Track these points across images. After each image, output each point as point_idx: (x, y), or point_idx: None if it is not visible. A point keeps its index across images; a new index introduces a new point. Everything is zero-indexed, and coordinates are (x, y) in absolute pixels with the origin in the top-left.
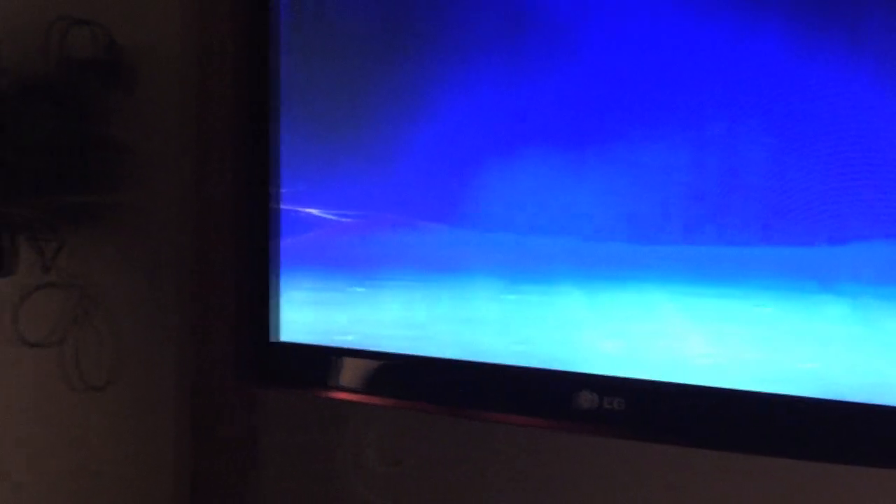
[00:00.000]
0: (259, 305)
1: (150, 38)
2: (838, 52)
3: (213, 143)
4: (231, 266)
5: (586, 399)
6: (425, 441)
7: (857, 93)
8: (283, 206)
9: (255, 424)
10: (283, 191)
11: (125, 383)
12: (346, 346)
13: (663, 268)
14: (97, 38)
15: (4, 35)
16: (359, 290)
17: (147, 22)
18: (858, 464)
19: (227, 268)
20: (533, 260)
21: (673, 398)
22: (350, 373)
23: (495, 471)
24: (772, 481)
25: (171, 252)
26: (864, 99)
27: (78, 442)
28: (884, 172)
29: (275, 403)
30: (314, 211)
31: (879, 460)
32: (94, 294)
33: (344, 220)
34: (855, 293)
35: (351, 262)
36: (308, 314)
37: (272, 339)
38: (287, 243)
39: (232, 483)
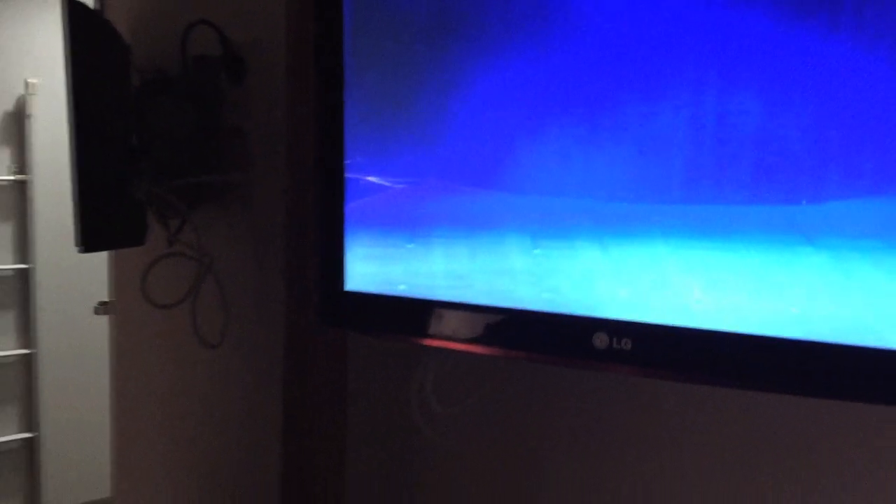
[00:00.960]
0: (333, 261)
1: (258, 35)
2: (820, 19)
3: (302, 125)
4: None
5: (600, 340)
6: (483, 377)
7: (836, 61)
8: (348, 176)
9: (345, 369)
10: (347, 162)
11: (235, 340)
12: (400, 294)
13: (666, 224)
14: (215, 37)
15: (143, 39)
16: (410, 246)
17: (255, 22)
18: (832, 398)
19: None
20: (556, 219)
21: (673, 339)
22: (404, 318)
23: (539, 408)
24: (765, 417)
25: (275, 225)
26: (841, 67)
27: (196, 390)
28: (857, 138)
29: (356, 348)
30: (373, 179)
31: (851, 393)
32: (209, 263)
33: (397, 186)
34: (834, 246)
35: (403, 222)
36: (369, 267)
37: (344, 289)
38: (351, 207)
39: (325, 426)
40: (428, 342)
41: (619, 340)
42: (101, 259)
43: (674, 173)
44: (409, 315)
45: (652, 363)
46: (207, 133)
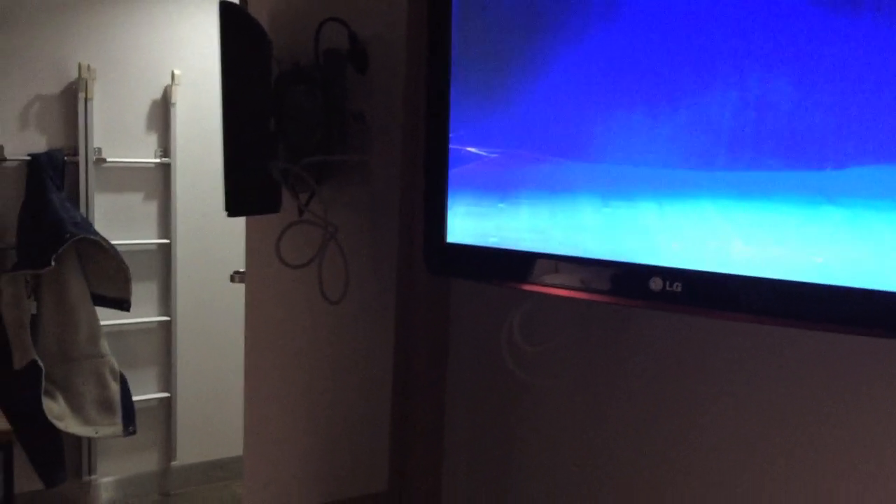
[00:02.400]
0: (438, 218)
1: (380, 31)
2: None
3: (416, 110)
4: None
5: (656, 283)
6: (567, 319)
7: (857, 44)
8: (451, 147)
9: (447, 320)
10: (451, 135)
11: (355, 299)
12: (491, 245)
13: (712, 187)
14: (344, 33)
15: (281, 34)
16: (500, 205)
17: (378, 19)
18: (847, 332)
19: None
20: (622, 183)
21: (716, 283)
22: (494, 265)
23: (611, 347)
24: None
25: (391, 199)
26: (862, 50)
27: (320, 341)
28: (873, 113)
29: (457, 302)
30: (472, 149)
31: (864, 329)
32: (334, 231)
33: (492, 155)
34: (852, 205)
35: (496, 185)
36: (467, 223)
37: (446, 242)
38: (453, 172)
39: (428, 368)
40: (514, 285)
41: (671, 284)
42: (232, 235)
43: (720, 144)
44: (498, 263)
45: (698, 303)
46: (334, 118)
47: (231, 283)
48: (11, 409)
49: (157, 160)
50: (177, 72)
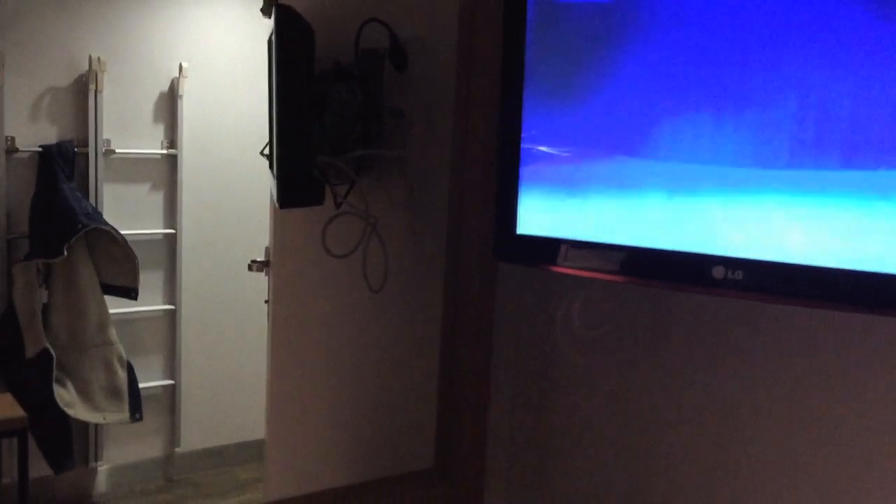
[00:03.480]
0: (509, 211)
1: (419, 32)
2: None
3: (473, 108)
4: (483, 189)
5: (718, 272)
6: (620, 305)
7: None
8: (523, 146)
9: (493, 306)
10: (523, 135)
11: (396, 288)
12: (560, 236)
13: (774, 185)
14: (382, 32)
15: (321, 34)
16: (569, 200)
17: (418, 20)
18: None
19: (481, 190)
20: (688, 180)
21: (775, 271)
22: (565, 255)
23: (666, 331)
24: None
25: (429, 192)
26: None
27: (366, 325)
28: None
29: (508, 279)
30: (543, 148)
31: None
32: (373, 220)
33: (563, 154)
34: None
35: (565, 182)
36: (537, 216)
37: (516, 233)
38: (524, 170)
39: (474, 348)
40: (581, 273)
41: (733, 272)
42: (236, 226)
43: (782, 145)
44: (566, 252)
45: (757, 289)
46: (372, 114)
47: (236, 273)
48: (23, 397)
49: (164, 151)
50: (184, 64)
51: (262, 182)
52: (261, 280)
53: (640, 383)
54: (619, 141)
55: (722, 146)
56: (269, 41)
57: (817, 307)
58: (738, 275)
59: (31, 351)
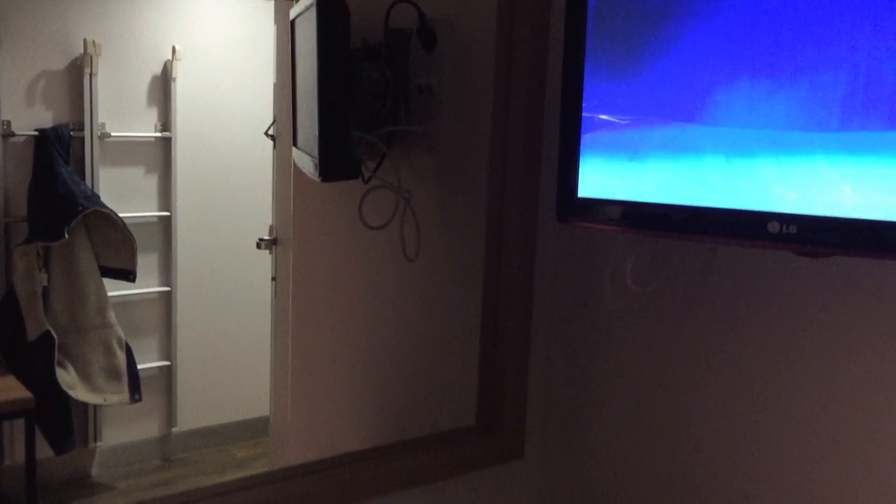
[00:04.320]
0: (571, 176)
1: (447, 12)
2: None
3: (514, 81)
4: (525, 157)
5: (773, 227)
6: (669, 266)
7: None
8: (584, 114)
9: (533, 271)
10: (584, 104)
11: (429, 257)
12: (622, 197)
13: (825, 146)
14: (409, 12)
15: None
16: (629, 164)
17: (445, 1)
18: None
19: (523, 158)
20: (744, 143)
21: (827, 224)
22: (622, 215)
23: (715, 288)
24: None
25: (459, 163)
26: None
27: (399, 293)
28: None
29: (548, 244)
30: (603, 116)
31: None
32: (406, 194)
33: (623, 121)
34: None
35: (625, 147)
36: (597, 180)
37: (578, 195)
38: (586, 137)
39: (516, 310)
40: (641, 232)
41: (787, 227)
42: (230, 208)
43: (832, 109)
44: (626, 213)
45: (810, 242)
46: (400, 91)
47: (230, 254)
48: (26, 380)
49: (158, 134)
50: (178, 47)
51: (256, 163)
52: (256, 260)
53: (680, 340)
54: (677, 109)
55: (775, 112)
56: (293, 22)
57: (865, 257)
58: (793, 229)
59: (32, 334)
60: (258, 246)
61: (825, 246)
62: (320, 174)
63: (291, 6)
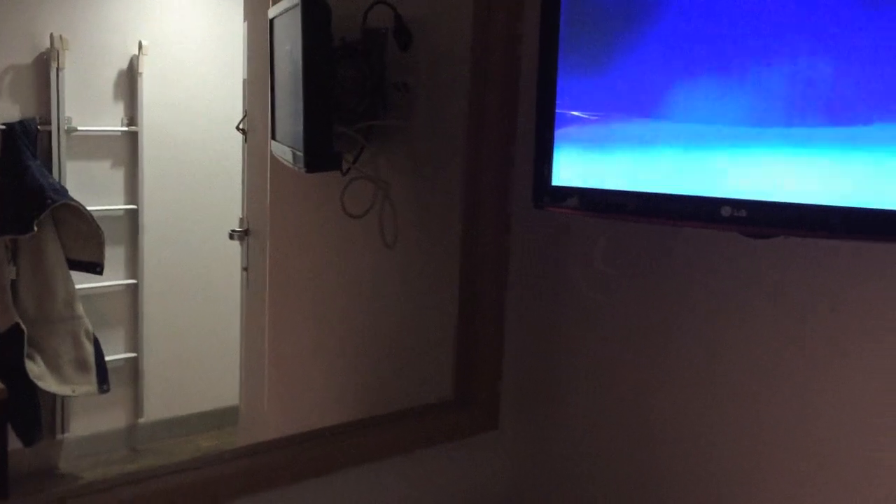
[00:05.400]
0: (545, 166)
1: (422, 12)
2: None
3: (489, 80)
4: (507, 149)
5: (726, 211)
6: (635, 249)
7: (878, 30)
8: (557, 111)
9: (507, 254)
10: (558, 101)
11: (406, 243)
12: (591, 185)
13: (770, 139)
14: (385, 13)
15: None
16: (598, 156)
17: (419, 1)
18: (872, 241)
19: (496, 151)
20: (699, 137)
21: (772, 208)
22: (595, 202)
23: (677, 269)
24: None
25: (435, 157)
26: (882, 34)
27: (377, 278)
28: (890, 81)
29: (520, 230)
30: (575, 112)
31: (881, 237)
32: (384, 185)
33: (592, 117)
34: (874, 151)
35: (594, 141)
36: (570, 170)
37: (552, 183)
38: (559, 132)
39: (491, 291)
40: (609, 217)
41: (737, 211)
42: (197, 201)
43: (776, 107)
44: (595, 199)
45: (758, 223)
46: (377, 88)
47: (197, 247)
48: None
49: (125, 128)
50: (144, 42)
51: (222, 157)
52: (222, 252)
53: (644, 318)
54: (640, 106)
55: (726, 109)
56: (271, 22)
57: (805, 236)
58: (742, 213)
59: (1, 326)
60: (230, 237)
61: (771, 227)
62: (304, 166)
63: (262, 3)
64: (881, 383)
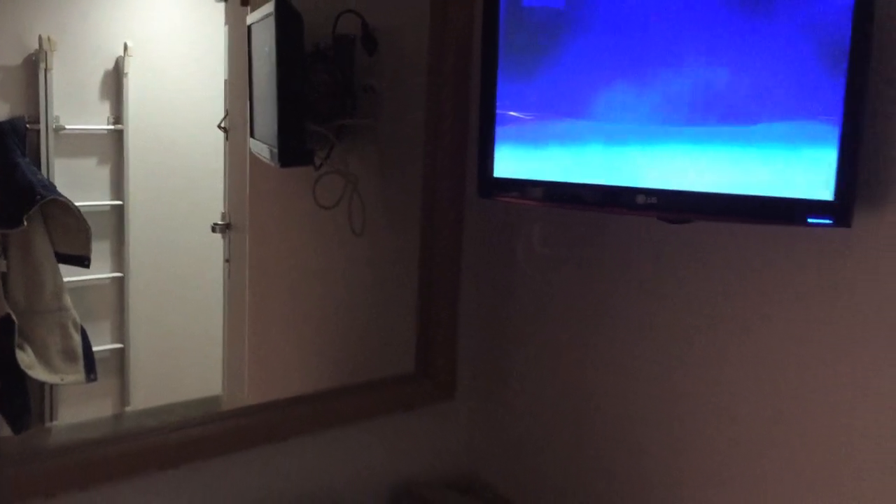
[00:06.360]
0: (488, 160)
1: (387, 21)
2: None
3: (444, 83)
4: (461, 145)
5: (640, 198)
6: (570, 232)
7: (765, 41)
8: (498, 111)
9: (461, 237)
10: (497, 103)
11: (373, 231)
12: (527, 177)
13: (676, 136)
14: (354, 20)
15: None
16: (533, 151)
17: (385, 11)
18: (759, 224)
19: (451, 146)
20: (617, 134)
21: (679, 196)
22: (530, 191)
23: (604, 250)
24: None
25: (399, 154)
26: (768, 45)
27: (347, 265)
28: (771, 87)
29: (473, 219)
30: (513, 113)
31: (770, 220)
32: (353, 178)
33: (526, 117)
34: (761, 146)
35: (529, 138)
36: (509, 163)
37: (494, 175)
38: (499, 130)
39: (447, 273)
40: (542, 204)
41: (650, 198)
42: (181, 197)
43: (681, 108)
44: (531, 188)
45: (667, 209)
46: (346, 90)
47: (182, 240)
48: None
49: (111, 127)
50: (129, 43)
51: (204, 154)
52: (206, 245)
53: (580, 294)
54: (567, 107)
55: (640, 110)
56: (250, 28)
57: (708, 220)
58: (654, 200)
59: None
60: (213, 230)
61: (679, 212)
62: (279, 161)
63: (243, 9)
64: (779, 353)
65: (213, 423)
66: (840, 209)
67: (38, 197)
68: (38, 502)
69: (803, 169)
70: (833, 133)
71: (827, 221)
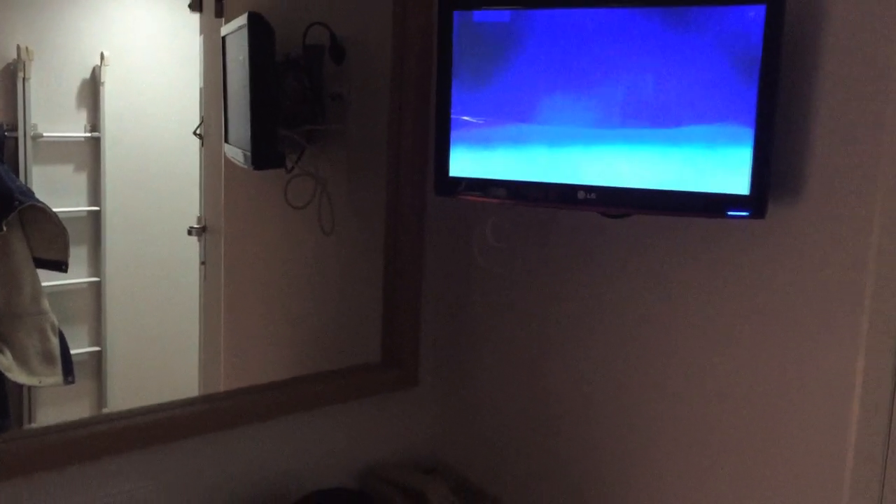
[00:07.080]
0: (444, 161)
1: (354, 32)
2: (679, 24)
3: (406, 90)
4: (422, 148)
5: (581, 194)
6: (521, 226)
7: (684, 47)
8: (452, 116)
9: (423, 234)
10: (451, 108)
11: (341, 230)
12: (480, 176)
13: (611, 137)
14: (323, 32)
15: (278, 32)
16: (484, 152)
17: (352, 22)
18: (684, 216)
19: (413, 149)
20: (559, 136)
21: (615, 192)
22: (481, 187)
23: (553, 244)
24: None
25: (367, 158)
26: (689, 54)
27: (317, 263)
28: (691, 93)
29: (435, 217)
30: (466, 118)
31: (693, 213)
32: (323, 180)
33: (478, 121)
34: (684, 147)
35: (481, 140)
36: (463, 164)
37: (449, 174)
38: (454, 133)
39: (410, 268)
40: (493, 200)
41: (589, 194)
42: (157, 202)
43: (614, 112)
44: (483, 186)
45: (605, 204)
46: (316, 97)
47: (158, 245)
48: None
49: (88, 134)
50: (106, 53)
51: (179, 160)
52: (182, 249)
53: (531, 285)
54: (514, 113)
55: (579, 114)
56: (224, 38)
57: (640, 214)
58: (593, 196)
59: None
60: (189, 233)
61: (615, 207)
62: (252, 164)
63: (217, 20)
64: (708, 335)
65: (186, 407)
66: (756, 202)
67: (17, 203)
68: (17, 481)
69: (723, 166)
70: (748, 134)
71: (744, 214)
